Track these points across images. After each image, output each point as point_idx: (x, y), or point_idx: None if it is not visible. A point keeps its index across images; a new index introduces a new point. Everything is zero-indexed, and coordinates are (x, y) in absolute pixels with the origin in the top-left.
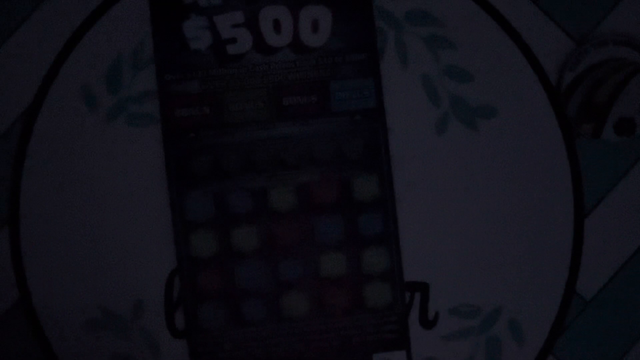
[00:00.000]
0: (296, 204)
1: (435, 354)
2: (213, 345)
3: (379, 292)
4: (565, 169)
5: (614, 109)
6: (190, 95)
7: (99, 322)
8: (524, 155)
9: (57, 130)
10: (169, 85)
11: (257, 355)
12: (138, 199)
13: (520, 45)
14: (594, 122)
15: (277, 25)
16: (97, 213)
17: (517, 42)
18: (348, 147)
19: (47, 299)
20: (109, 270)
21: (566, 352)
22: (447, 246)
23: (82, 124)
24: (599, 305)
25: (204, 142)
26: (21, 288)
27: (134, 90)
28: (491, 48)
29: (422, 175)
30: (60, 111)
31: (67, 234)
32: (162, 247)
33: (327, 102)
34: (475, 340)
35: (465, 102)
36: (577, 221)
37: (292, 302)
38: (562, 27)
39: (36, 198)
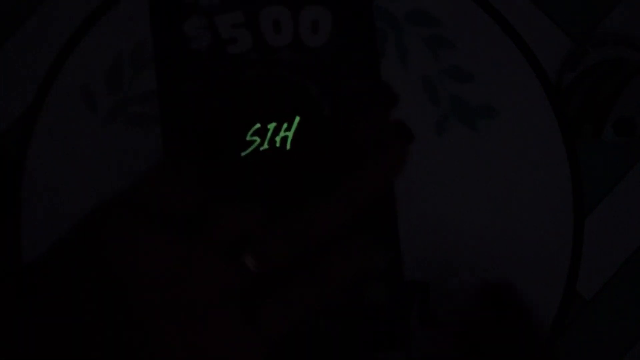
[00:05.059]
0: None
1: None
2: None
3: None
4: (565, 169)
5: (614, 109)
6: (190, 95)
7: None
8: (524, 155)
9: (57, 130)
10: (168, 85)
11: None
12: None
13: (520, 45)
14: (594, 122)
15: (277, 26)
16: None
17: (517, 42)
18: None
19: None
20: None
21: (566, 352)
22: (447, 246)
23: (82, 124)
24: (599, 305)
25: None
26: None
27: (134, 90)
28: (491, 48)
29: (422, 175)
30: (60, 111)
31: None
32: None
33: None
34: None
35: (465, 102)
36: (577, 221)
37: None
38: (562, 27)
39: (37, 198)
